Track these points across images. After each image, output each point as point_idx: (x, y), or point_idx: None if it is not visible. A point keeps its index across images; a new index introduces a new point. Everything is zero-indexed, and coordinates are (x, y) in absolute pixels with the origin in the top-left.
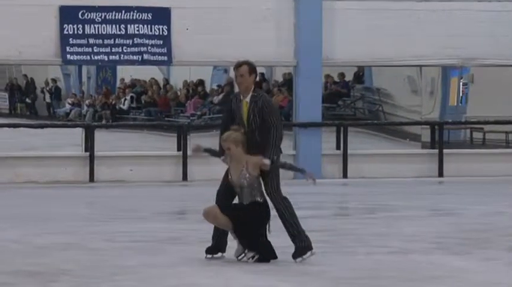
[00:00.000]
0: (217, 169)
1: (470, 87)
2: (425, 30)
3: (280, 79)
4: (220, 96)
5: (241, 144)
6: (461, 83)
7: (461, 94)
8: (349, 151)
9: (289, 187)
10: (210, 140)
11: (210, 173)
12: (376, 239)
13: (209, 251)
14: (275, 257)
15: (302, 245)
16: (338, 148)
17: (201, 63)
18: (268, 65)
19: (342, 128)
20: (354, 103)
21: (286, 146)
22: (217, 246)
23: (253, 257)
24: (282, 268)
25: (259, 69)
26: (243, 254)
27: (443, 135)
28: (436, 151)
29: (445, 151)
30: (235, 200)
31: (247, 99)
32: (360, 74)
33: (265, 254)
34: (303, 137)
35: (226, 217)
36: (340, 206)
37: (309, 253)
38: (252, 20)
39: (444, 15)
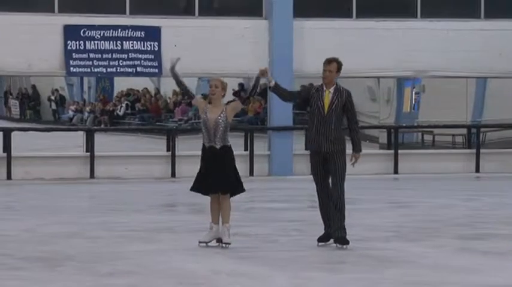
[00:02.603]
0: None
1: (422, 96)
2: (383, 46)
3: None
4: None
5: (224, 89)
6: (413, 92)
7: (413, 102)
8: None
9: (264, 182)
10: (196, 142)
11: (195, 170)
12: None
13: (321, 239)
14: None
15: (344, 236)
16: (307, 148)
17: (187, 75)
18: (246, 76)
19: None
20: None
21: (262, 147)
22: (328, 235)
23: (226, 244)
24: (263, 254)
25: (238, 81)
26: (207, 242)
27: (398, 138)
28: (392, 151)
29: (399, 151)
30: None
31: (331, 90)
32: None
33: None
34: (276, 139)
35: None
36: (310, 199)
37: (346, 246)
38: (232, 37)
39: (400, 33)
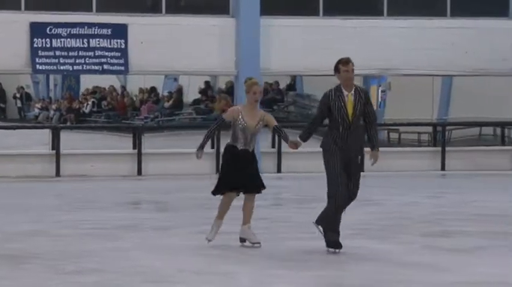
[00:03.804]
0: (168, 165)
1: (388, 94)
2: (350, 44)
3: (223, 86)
4: (170, 102)
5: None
6: (379, 90)
7: (379, 100)
8: (282, 149)
9: None
10: (162, 139)
11: (161, 168)
12: (307, 227)
13: (339, 245)
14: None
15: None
16: (273, 146)
17: (153, 73)
18: (213, 74)
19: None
20: (287, 107)
21: None
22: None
23: (257, 244)
24: (229, 253)
25: (204, 78)
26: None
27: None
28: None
29: (365, 149)
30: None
31: (352, 92)
32: (292, 83)
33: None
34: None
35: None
36: (276, 197)
37: (338, 250)
38: (199, 35)
39: (367, 31)
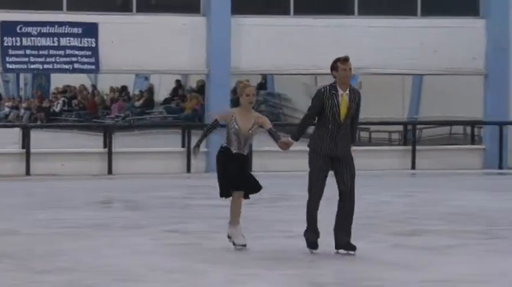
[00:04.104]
0: (139, 163)
1: None
2: (320, 44)
3: (194, 85)
4: (141, 101)
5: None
6: None
7: None
8: (253, 148)
9: (202, 179)
10: (133, 138)
11: (132, 167)
12: (279, 225)
13: (316, 245)
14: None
15: (350, 241)
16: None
17: (124, 72)
18: (184, 73)
19: None
20: (257, 106)
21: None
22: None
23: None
24: (202, 251)
25: (175, 77)
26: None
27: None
28: None
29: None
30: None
31: (347, 92)
32: (263, 82)
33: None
34: (213, 136)
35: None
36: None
37: (353, 252)
38: (169, 34)
39: (337, 30)
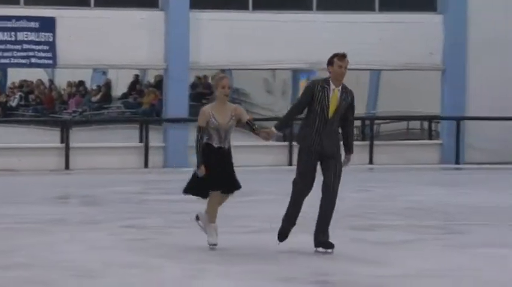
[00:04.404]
0: (96, 159)
1: None
2: (279, 39)
3: (152, 80)
4: (98, 96)
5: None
6: None
7: None
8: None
9: (159, 174)
10: (90, 133)
11: (89, 162)
12: (241, 220)
13: (284, 236)
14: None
15: (328, 240)
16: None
17: (82, 67)
18: (142, 68)
19: None
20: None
21: (157, 139)
22: (288, 232)
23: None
24: (157, 246)
25: (133, 72)
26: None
27: (292, 130)
28: (287, 143)
29: (294, 143)
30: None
31: (339, 88)
32: None
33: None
34: (171, 131)
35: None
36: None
37: (331, 250)
38: (128, 29)
39: (296, 25)
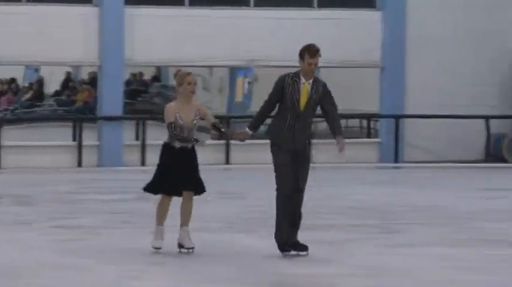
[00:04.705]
0: (28, 158)
1: (255, 85)
2: (216, 35)
3: (85, 77)
4: (30, 94)
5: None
6: (246, 82)
7: (246, 92)
8: (147, 141)
9: (93, 173)
10: (22, 132)
11: (21, 161)
12: (176, 220)
13: (286, 248)
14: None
15: (297, 242)
16: (137, 138)
17: (14, 63)
18: (76, 64)
19: (141, 121)
20: (151, 99)
21: (91, 137)
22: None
23: (191, 249)
24: (90, 247)
25: (66, 69)
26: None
27: (230, 128)
28: (221, 142)
29: (232, 141)
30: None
31: (310, 81)
32: (157, 74)
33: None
34: (106, 129)
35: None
36: (139, 191)
37: (306, 252)
38: (61, 25)
39: (234, 21)
